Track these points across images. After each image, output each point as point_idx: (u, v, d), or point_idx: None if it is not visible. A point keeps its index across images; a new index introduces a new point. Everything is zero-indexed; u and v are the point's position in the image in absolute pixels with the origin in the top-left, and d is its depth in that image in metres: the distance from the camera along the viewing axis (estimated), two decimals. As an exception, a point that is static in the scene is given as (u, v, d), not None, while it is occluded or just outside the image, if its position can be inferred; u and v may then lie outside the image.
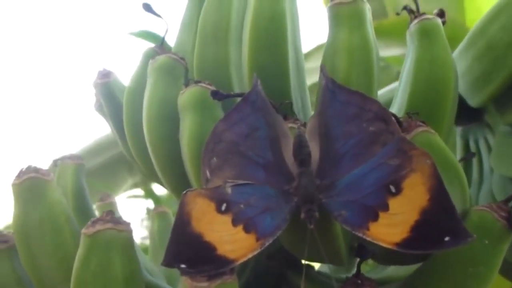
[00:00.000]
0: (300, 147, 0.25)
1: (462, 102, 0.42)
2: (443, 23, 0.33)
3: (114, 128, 0.41)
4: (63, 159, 0.42)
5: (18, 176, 0.32)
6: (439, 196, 0.24)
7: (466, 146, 0.48)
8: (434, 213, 0.23)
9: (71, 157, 0.42)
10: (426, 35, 0.31)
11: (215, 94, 0.27)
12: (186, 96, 0.29)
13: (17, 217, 0.31)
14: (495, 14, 0.35)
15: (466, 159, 0.45)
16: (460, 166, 0.29)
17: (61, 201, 0.32)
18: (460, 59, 0.39)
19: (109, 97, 0.40)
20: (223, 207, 0.24)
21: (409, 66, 0.31)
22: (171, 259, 0.24)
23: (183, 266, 0.23)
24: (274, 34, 0.29)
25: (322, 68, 0.27)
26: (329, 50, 0.29)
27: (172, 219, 0.50)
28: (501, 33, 0.35)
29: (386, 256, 0.33)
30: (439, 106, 0.31)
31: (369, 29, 0.29)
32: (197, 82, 0.29)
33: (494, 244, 0.28)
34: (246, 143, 0.26)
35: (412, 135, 0.27)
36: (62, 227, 0.31)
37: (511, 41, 0.34)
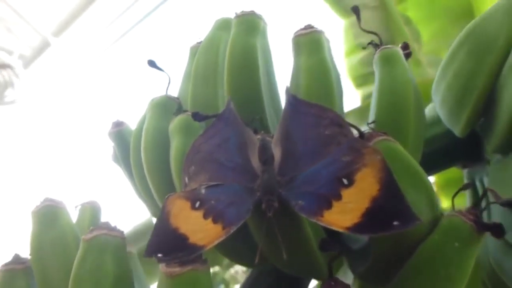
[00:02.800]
0: (264, 149, 0.30)
1: (457, 141, 0.45)
2: (408, 54, 0.39)
3: (126, 171, 0.48)
4: (82, 204, 0.49)
5: (37, 205, 0.39)
6: (388, 186, 0.27)
7: (474, 186, 0.50)
8: (384, 201, 0.27)
9: (89, 202, 0.49)
10: (386, 60, 0.36)
11: (195, 116, 0.33)
12: (174, 123, 0.35)
13: (34, 237, 0.37)
14: (460, 44, 0.40)
15: (463, 190, 0.47)
16: (424, 173, 0.32)
17: (70, 224, 0.38)
18: (436, 92, 0.43)
19: (121, 142, 0.47)
20: (197, 205, 0.29)
21: (375, 87, 0.36)
22: (151, 250, 0.28)
23: (160, 255, 0.28)
24: (246, 63, 0.35)
25: (286, 88, 0.33)
26: (293, 73, 0.35)
27: None
28: (466, 59, 0.39)
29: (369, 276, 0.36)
30: (401, 118, 0.35)
31: (326, 53, 0.35)
32: (184, 112, 0.36)
33: (464, 247, 0.30)
34: (219, 151, 0.31)
35: (373, 143, 0.31)
36: (70, 245, 0.36)
37: (475, 66, 0.38)
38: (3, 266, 0.37)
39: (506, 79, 0.36)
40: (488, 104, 0.39)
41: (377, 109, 0.35)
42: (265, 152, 0.30)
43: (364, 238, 0.36)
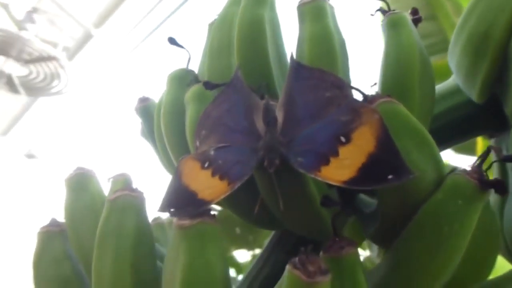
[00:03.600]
0: (267, 112, 0.32)
1: (480, 109, 0.45)
2: (418, 19, 0.40)
3: (152, 144, 0.51)
4: (115, 176, 0.53)
5: (70, 173, 0.43)
6: (384, 142, 0.29)
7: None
8: (379, 156, 0.29)
9: (121, 174, 0.53)
10: (392, 25, 0.37)
11: (207, 85, 0.36)
12: (189, 92, 0.38)
13: (66, 203, 0.41)
14: (472, 7, 0.40)
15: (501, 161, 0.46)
16: (428, 134, 0.34)
17: (99, 190, 0.42)
18: (451, 58, 0.43)
19: (146, 117, 0.50)
20: (206, 165, 0.32)
21: (382, 52, 0.37)
22: (165, 205, 0.31)
23: (172, 210, 0.31)
24: (254, 34, 0.37)
25: (291, 55, 0.35)
26: (298, 41, 0.37)
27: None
28: (478, 22, 0.39)
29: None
30: (405, 81, 0.36)
31: (329, 19, 0.37)
32: (197, 82, 0.38)
33: (467, 203, 0.31)
34: (227, 116, 0.34)
35: (375, 105, 0.33)
36: (98, 209, 0.40)
37: (487, 30, 0.38)
38: (41, 228, 0.41)
39: None
40: (502, 67, 0.39)
41: (382, 72, 0.37)
42: (268, 115, 0.32)
43: (374, 201, 0.38)
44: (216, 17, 0.46)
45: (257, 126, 0.33)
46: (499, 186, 0.32)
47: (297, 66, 0.34)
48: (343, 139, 0.30)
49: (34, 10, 2.84)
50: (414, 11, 0.40)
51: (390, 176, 0.28)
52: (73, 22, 2.99)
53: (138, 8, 2.98)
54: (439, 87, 0.49)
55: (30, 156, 3.68)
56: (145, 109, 0.50)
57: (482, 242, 0.41)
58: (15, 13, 2.74)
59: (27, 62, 2.76)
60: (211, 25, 0.48)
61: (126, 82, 3.23)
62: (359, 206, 0.41)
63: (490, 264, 0.37)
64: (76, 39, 3.18)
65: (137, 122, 0.56)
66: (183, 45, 0.46)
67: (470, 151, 1.28)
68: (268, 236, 0.47)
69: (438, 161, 0.34)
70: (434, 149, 0.34)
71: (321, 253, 0.31)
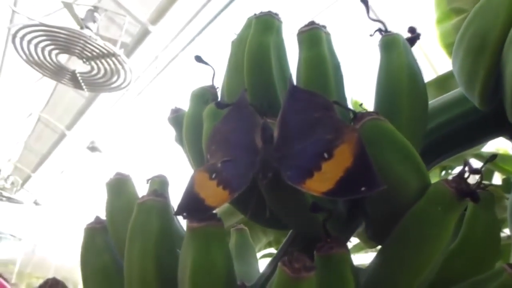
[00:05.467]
0: (264, 130, 0.38)
1: (495, 115, 0.48)
2: (415, 38, 0.44)
3: (184, 150, 0.59)
4: (152, 177, 0.61)
5: (110, 178, 0.51)
6: (360, 158, 0.34)
7: None
8: (355, 170, 0.34)
9: (158, 176, 0.61)
10: (386, 46, 0.42)
11: (218, 104, 0.42)
12: (205, 110, 0.45)
13: (107, 204, 0.50)
14: (468, 24, 0.44)
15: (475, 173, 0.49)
16: (411, 147, 0.38)
17: (134, 193, 0.50)
18: (453, 68, 0.47)
19: (178, 126, 0.58)
20: (213, 176, 0.38)
21: (377, 73, 0.42)
22: (179, 210, 0.38)
23: (185, 214, 0.38)
24: (260, 60, 0.43)
25: (288, 78, 0.41)
26: (297, 66, 0.43)
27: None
28: (472, 39, 0.43)
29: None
30: (395, 102, 0.40)
31: (324, 46, 0.42)
32: (215, 100, 0.45)
33: (446, 210, 0.36)
34: (232, 133, 0.40)
35: (362, 122, 0.38)
36: (132, 211, 0.48)
37: (480, 45, 0.42)
38: (87, 225, 0.50)
39: (507, 54, 0.40)
40: (497, 77, 0.42)
41: (375, 92, 0.41)
42: (265, 133, 0.38)
43: None
44: (236, 35, 0.53)
45: (256, 142, 0.39)
46: (475, 195, 0.36)
47: (292, 88, 0.40)
48: (326, 155, 0.35)
49: (95, 8, 3.03)
50: (412, 30, 0.44)
51: (363, 188, 0.33)
52: (131, 19, 3.16)
53: (193, 3, 3.09)
54: (451, 94, 0.52)
55: (93, 149, 3.94)
56: (176, 119, 0.58)
57: (485, 244, 0.46)
58: (77, 12, 2.92)
59: (88, 59, 2.95)
60: (232, 42, 0.54)
61: (181, 78, 3.37)
62: (366, 210, 0.46)
63: (491, 256, 0.41)
64: (134, 35, 3.34)
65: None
66: (208, 63, 0.53)
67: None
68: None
69: (422, 172, 0.38)
70: (418, 161, 0.38)
71: (315, 252, 0.37)
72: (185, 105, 0.60)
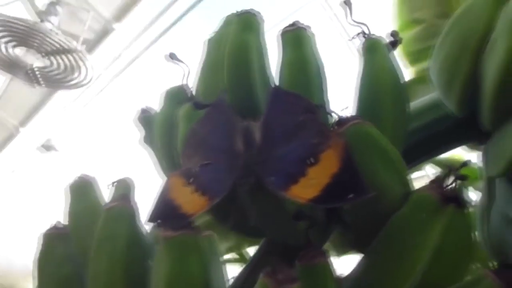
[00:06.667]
0: (246, 132, 0.36)
1: (469, 121, 0.48)
2: (396, 42, 0.43)
3: (153, 151, 0.56)
4: (117, 181, 0.58)
5: (72, 180, 0.47)
6: (347, 164, 0.33)
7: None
8: (341, 177, 0.33)
9: (123, 180, 0.57)
10: (368, 50, 0.41)
11: (196, 105, 0.40)
12: (180, 111, 0.42)
13: (69, 209, 0.46)
14: (448, 30, 0.43)
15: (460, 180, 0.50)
16: (396, 153, 0.37)
17: (99, 197, 0.47)
18: (431, 74, 0.46)
19: (146, 127, 0.55)
20: (190, 181, 0.36)
21: (358, 76, 0.41)
22: (153, 217, 0.36)
23: (158, 221, 0.35)
24: (240, 59, 0.41)
25: (272, 80, 0.39)
26: (280, 66, 0.41)
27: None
28: (452, 45, 0.42)
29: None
30: (377, 104, 0.39)
31: (307, 47, 0.41)
32: (190, 100, 0.42)
33: (430, 217, 0.35)
34: (211, 135, 0.38)
35: (346, 126, 0.36)
36: (97, 214, 0.45)
37: (460, 51, 0.41)
38: (46, 231, 0.46)
39: (486, 61, 0.39)
40: (475, 83, 0.42)
41: (357, 95, 0.40)
42: (246, 136, 0.36)
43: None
44: (212, 34, 0.50)
45: (237, 146, 0.37)
46: (459, 200, 0.36)
47: (276, 90, 0.38)
48: (311, 160, 0.34)
49: (57, 1, 2.92)
50: (393, 34, 0.43)
51: (350, 195, 0.32)
52: (94, 15, 3.06)
53: (158, 2, 3.03)
54: (426, 99, 0.52)
55: (48, 148, 3.79)
56: (146, 119, 0.55)
57: (457, 248, 0.45)
58: (37, 4, 2.81)
59: (47, 53, 2.84)
60: (208, 41, 0.52)
61: (144, 77, 3.30)
62: (343, 216, 0.44)
63: (464, 263, 0.40)
64: (97, 32, 3.25)
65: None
66: (182, 60, 0.50)
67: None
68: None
69: (404, 178, 0.37)
70: (401, 167, 0.37)
71: (296, 261, 0.35)
72: (149, 105, 0.57)
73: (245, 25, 0.42)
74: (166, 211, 0.36)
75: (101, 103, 3.57)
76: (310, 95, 0.38)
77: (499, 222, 0.49)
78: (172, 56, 0.50)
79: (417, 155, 0.50)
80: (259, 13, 0.43)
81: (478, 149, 0.54)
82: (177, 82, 0.52)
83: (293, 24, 0.41)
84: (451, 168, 0.36)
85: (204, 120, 0.39)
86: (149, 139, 0.56)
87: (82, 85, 3.16)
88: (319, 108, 0.36)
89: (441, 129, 0.50)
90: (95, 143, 3.58)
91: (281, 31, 0.42)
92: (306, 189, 0.33)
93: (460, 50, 0.41)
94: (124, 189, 0.54)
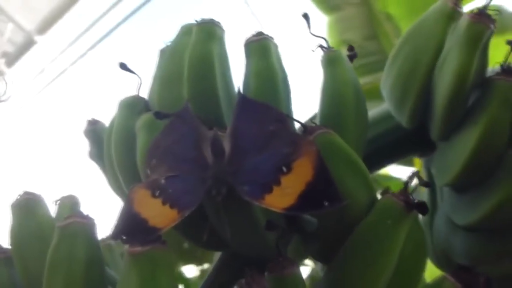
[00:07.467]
0: (215, 142, 0.35)
1: (410, 132, 0.50)
2: (353, 55, 0.44)
3: (101, 167, 0.52)
4: (61, 198, 0.54)
5: (16, 198, 0.43)
6: (320, 172, 0.33)
7: (429, 176, 0.56)
8: (316, 185, 0.32)
9: (68, 197, 0.53)
10: (329, 62, 0.42)
11: (157, 115, 0.38)
12: (139, 121, 0.40)
13: (12, 228, 0.42)
14: (401, 45, 0.45)
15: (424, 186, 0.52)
16: (361, 162, 0.38)
17: (48, 216, 0.43)
18: (383, 88, 0.48)
19: (95, 140, 0.51)
20: (157, 193, 0.34)
21: (320, 87, 0.41)
22: (117, 233, 0.33)
23: (124, 237, 0.33)
24: (204, 69, 0.40)
25: (238, 89, 0.38)
26: (245, 76, 0.41)
27: None
28: (406, 60, 0.44)
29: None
30: (341, 114, 0.40)
31: (273, 57, 0.41)
32: (148, 110, 0.41)
33: (396, 223, 0.36)
34: (177, 146, 0.36)
35: (314, 136, 0.36)
36: (47, 235, 0.41)
37: (413, 66, 0.44)
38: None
39: (438, 76, 0.41)
40: (427, 97, 0.44)
41: (321, 106, 0.41)
42: (215, 146, 0.35)
43: (315, 221, 0.41)
44: (168, 44, 0.49)
45: (206, 156, 0.35)
46: (422, 207, 0.37)
47: (244, 100, 0.37)
48: (284, 169, 0.33)
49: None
50: (350, 48, 0.44)
51: (325, 203, 0.32)
52: (15, 27, 2.90)
53: (85, 16, 2.93)
54: (375, 111, 0.54)
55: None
56: (94, 132, 0.52)
57: (413, 251, 0.46)
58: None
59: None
60: (162, 51, 0.50)
61: (70, 92, 3.15)
62: (301, 225, 0.44)
63: (420, 267, 0.41)
64: (17, 44, 3.07)
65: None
66: (133, 71, 0.48)
67: (408, 162, 1.36)
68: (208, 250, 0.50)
69: (369, 186, 0.38)
70: (366, 175, 0.38)
71: (266, 273, 0.34)
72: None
73: (207, 34, 0.41)
74: (131, 226, 0.33)
75: (23, 120, 3.35)
76: (279, 104, 0.38)
77: (443, 228, 0.51)
78: (123, 67, 0.48)
79: (370, 165, 0.52)
80: (219, 22, 0.43)
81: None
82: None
83: (258, 34, 0.41)
84: (414, 173, 0.37)
85: (168, 130, 0.37)
86: (97, 153, 0.53)
87: (1, 101, 2.96)
88: (288, 117, 0.36)
89: (391, 140, 0.52)
90: (14, 158, 3.34)
91: (245, 41, 0.41)
92: (281, 198, 0.32)
93: (413, 67, 0.44)
94: (69, 207, 0.50)
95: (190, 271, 1.83)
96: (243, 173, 0.34)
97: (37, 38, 3.01)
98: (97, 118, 0.54)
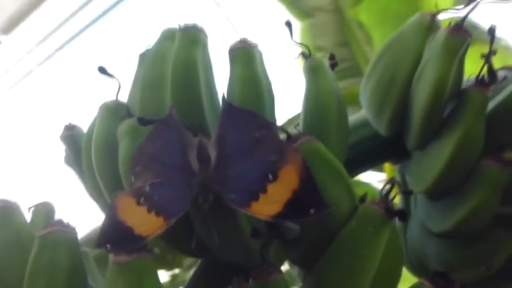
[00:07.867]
0: (200, 150, 0.35)
1: (387, 140, 0.51)
2: (335, 64, 0.45)
3: (78, 173, 0.51)
4: (36, 205, 0.52)
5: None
6: (306, 179, 0.33)
7: (404, 182, 0.57)
8: (302, 192, 0.33)
9: (42, 204, 0.52)
10: (312, 70, 0.42)
11: (141, 121, 0.38)
12: (122, 126, 0.39)
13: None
14: (380, 56, 0.47)
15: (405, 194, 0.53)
16: (343, 169, 0.38)
17: (24, 224, 0.42)
18: (362, 97, 0.49)
19: (73, 145, 0.50)
20: (142, 200, 0.34)
21: (303, 95, 0.42)
22: (101, 241, 0.33)
23: (109, 246, 0.32)
24: (187, 75, 0.40)
25: (223, 96, 0.38)
26: (229, 82, 0.41)
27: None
28: (384, 70, 0.45)
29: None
30: (324, 122, 0.41)
31: (257, 64, 0.41)
32: (131, 116, 0.40)
33: (377, 230, 0.37)
34: (162, 152, 0.36)
35: (298, 143, 0.37)
36: (24, 243, 0.40)
37: (392, 77, 0.45)
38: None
39: (416, 87, 0.43)
40: (404, 107, 0.45)
41: (304, 113, 0.41)
42: (201, 153, 0.35)
43: (297, 228, 0.42)
44: (148, 48, 0.48)
45: (191, 163, 0.35)
46: (402, 214, 0.38)
47: (229, 107, 0.37)
48: (270, 177, 0.34)
49: None
50: (331, 57, 0.45)
51: (311, 210, 0.32)
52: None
53: (52, 16, 2.85)
54: (353, 118, 0.55)
55: None
56: (71, 137, 0.50)
57: (392, 258, 0.47)
58: None
59: None
60: (142, 56, 0.49)
61: (35, 94, 3.06)
62: (283, 232, 0.44)
63: (398, 274, 0.42)
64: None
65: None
66: (113, 75, 0.47)
67: (379, 168, 1.39)
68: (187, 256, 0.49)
69: (351, 193, 0.39)
70: (349, 183, 0.39)
71: (250, 280, 0.34)
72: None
73: (191, 40, 0.41)
74: (116, 234, 0.33)
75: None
76: (263, 111, 0.39)
77: (418, 235, 0.53)
78: (102, 70, 0.47)
79: (348, 171, 0.53)
80: (203, 28, 0.43)
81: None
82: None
83: (242, 41, 0.41)
84: (393, 180, 0.38)
85: (153, 137, 0.37)
86: (74, 159, 0.51)
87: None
88: (273, 124, 0.36)
89: (370, 147, 0.53)
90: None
91: (230, 48, 0.41)
92: (267, 205, 0.33)
93: (391, 77, 0.45)
94: (44, 215, 0.49)
95: (161, 276, 1.81)
96: (230, 181, 0.34)
97: (1, 37, 2.91)
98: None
